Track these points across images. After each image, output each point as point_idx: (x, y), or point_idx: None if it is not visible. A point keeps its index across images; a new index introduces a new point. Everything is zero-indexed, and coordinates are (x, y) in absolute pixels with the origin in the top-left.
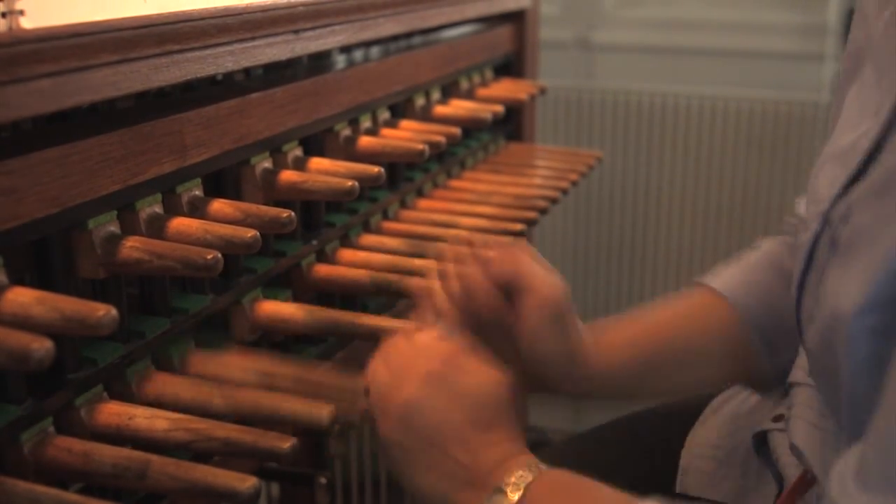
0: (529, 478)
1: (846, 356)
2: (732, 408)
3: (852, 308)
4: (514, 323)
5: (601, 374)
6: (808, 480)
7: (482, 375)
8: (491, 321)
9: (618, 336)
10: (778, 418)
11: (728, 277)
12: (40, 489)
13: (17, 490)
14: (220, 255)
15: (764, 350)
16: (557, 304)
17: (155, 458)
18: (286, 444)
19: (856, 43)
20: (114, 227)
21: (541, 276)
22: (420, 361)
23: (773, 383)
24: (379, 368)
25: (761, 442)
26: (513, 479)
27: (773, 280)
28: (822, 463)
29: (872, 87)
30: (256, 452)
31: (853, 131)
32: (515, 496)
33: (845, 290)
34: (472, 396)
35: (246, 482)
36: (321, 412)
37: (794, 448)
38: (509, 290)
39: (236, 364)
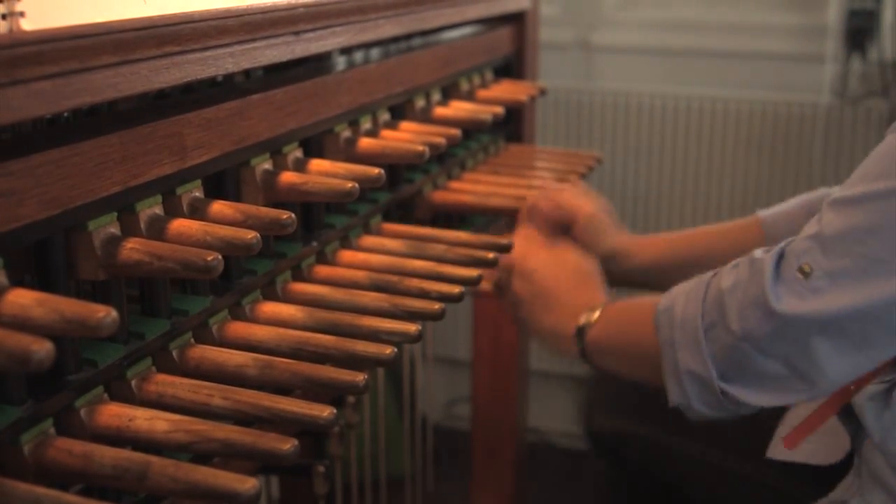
0: (601, 304)
1: None
2: None
3: None
4: (573, 234)
5: (638, 267)
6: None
7: (578, 255)
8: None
9: (661, 239)
10: None
11: (775, 208)
12: (40, 490)
13: (17, 491)
14: (220, 257)
15: None
16: (596, 215)
17: (155, 460)
18: (286, 445)
19: None
20: (114, 229)
21: (580, 197)
22: (535, 244)
23: None
24: (516, 251)
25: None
26: (598, 306)
27: (800, 210)
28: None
29: None
30: (256, 454)
31: None
32: (596, 313)
33: None
34: (574, 265)
35: (246, 483)
36: (321, 412)
37: None
38: (566, 214)
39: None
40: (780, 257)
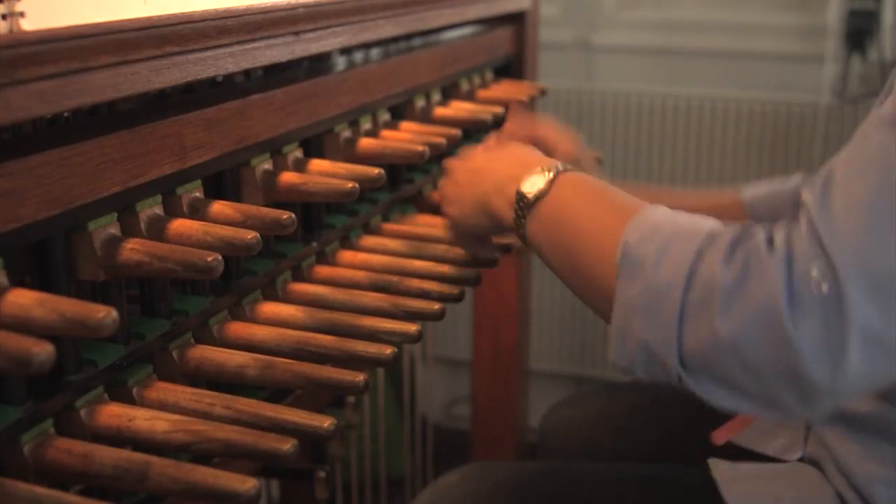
0: (560, 167)
1: None
2: None
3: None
4: None
5: None
6: None
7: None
8: None
9: (642, 190)
10: None
11: (757, 188)
12: (40, 491)
13: (17, 491)
14: (220, 258)
15: None
16: (577, 159)
17: (155, 460)
18: (286, 445)
19: None
20: (114, 230)
21: (559, 144)
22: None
23: None
24: (454, 161)
25: None
26: (546, 167)
27: (786, 200)
28: None
29: None
30: (257, 454)
31: None
32: (546, 176)
33: None
34: (518, 151)
35: (246, 483)
36: (323, 422)
37: None
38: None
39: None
40: (790, 261)
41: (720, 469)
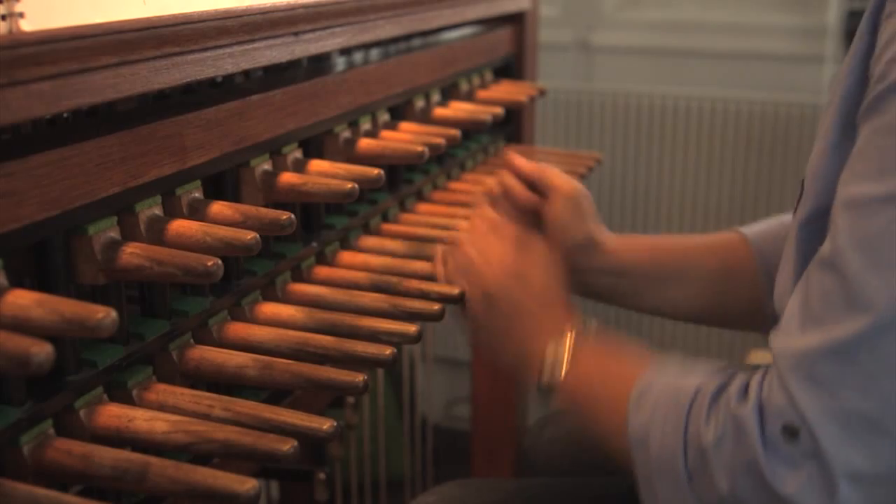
0: (574, 340)
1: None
2: None
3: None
4: (546, 214)
5: (615, 265)
6: None
7: (542, 265)
8: (529, 215)
9: (641, 240)
10: None
11: (756, 227)
12: (40, 491)
13: (16, 492)
14: (220, 262)
15: (768, 288)
16: (577, 197)
17: (154, 461)
18: (286, 446)
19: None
20: (114, 234)
21: (562, 177)
22: (496, 246)
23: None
24: (466, 247)
25: None
26: (566, 333)
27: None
28: None
29: None
30: (256, 454)
31: None
32: (565, 349)
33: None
34: (538, 284)
35: (246, 484)
36: (322, 425)
37: None
38: (540, 190)
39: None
40: (761, 412)
41: None
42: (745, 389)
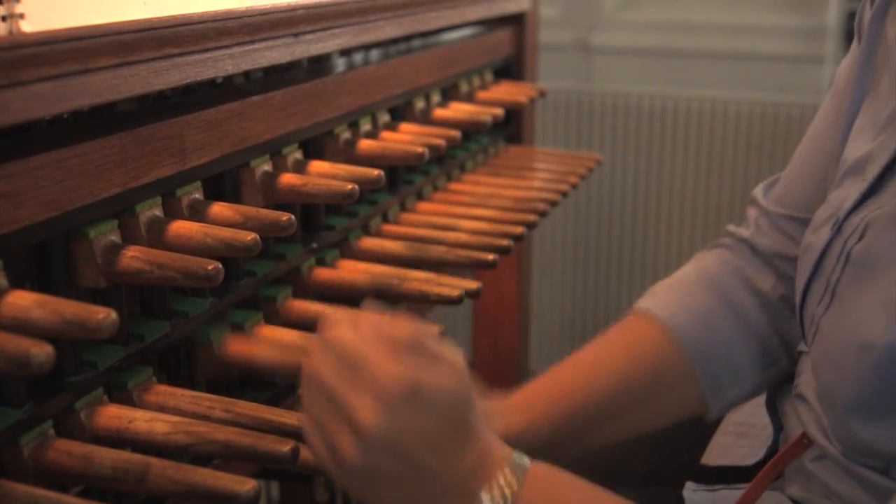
0: (515, 485)
1: (870, 379)
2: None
3: (882, 339)
4: None
5: (531, 440)
6: (805, 443)
7: (445, 377)
8: None
9: (541, 396)
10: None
11: (667, 302)
12: (40, 492)
13: (16, 493)
14: (220, 266)
15: (708, 386)
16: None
17: (155, 461)
18: (286, 447)
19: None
20: (114, 237)
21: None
22: (373, 363)
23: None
24: (325, 367)
25: (773, 406)
26: (498, 484)
27: (712, 303)
28: (818, 425)
29: (888, 98)
30: (256, 455)
31: (868, 142)
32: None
33: (870, 320)
34: (440, 406)
35: (246, 485)
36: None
37: (800, 399)
38: None
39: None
40: None
41: (694, 492)
42: None
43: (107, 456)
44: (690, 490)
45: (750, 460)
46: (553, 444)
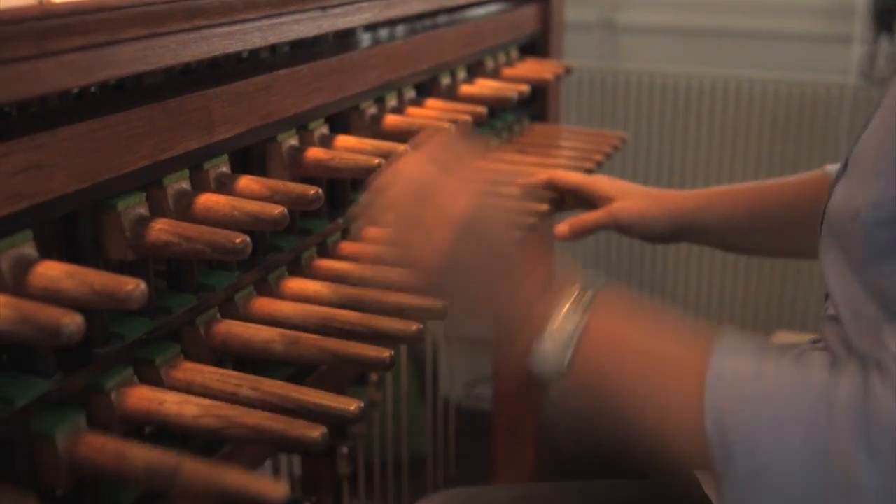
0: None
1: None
2: None
3: (864, 206)
4: (619, 220)
5: (706, 230)
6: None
7: (498, 229)
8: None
9: (723, 193)
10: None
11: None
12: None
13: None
14: (248, 239)
15: None
16: (625, 190)
17: (187, 462)
18: (316, 432)
19: None
20: (143, 209)
21: (595, 184)
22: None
23: None
24: (419, 168)
25: None
26: (567, 298)
27: None
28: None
29: None
30: (286, 441)
31: None
32: (568, 321)
33: (854, 194)
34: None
35: (278, 489)
36: (349, 405)
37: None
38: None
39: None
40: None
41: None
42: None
43: (140, 454)
44: (704, 478)
45: None
46: (727, 231)
